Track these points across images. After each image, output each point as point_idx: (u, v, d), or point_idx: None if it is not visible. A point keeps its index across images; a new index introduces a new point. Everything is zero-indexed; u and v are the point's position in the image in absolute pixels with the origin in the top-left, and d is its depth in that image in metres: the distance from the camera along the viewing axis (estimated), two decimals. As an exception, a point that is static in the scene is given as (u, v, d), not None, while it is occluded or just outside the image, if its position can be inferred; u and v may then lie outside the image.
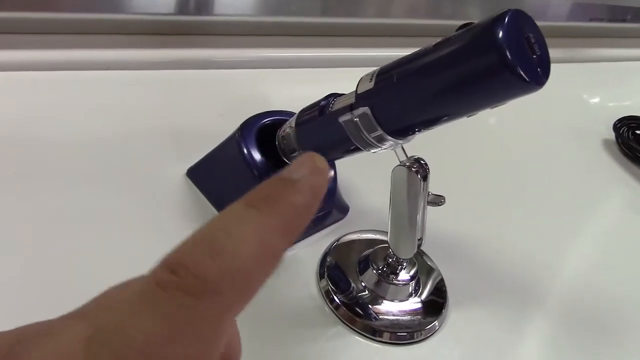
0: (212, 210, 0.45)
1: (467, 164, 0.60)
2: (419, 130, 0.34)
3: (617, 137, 0.67)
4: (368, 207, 0.49)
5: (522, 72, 0.27)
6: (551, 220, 0.55)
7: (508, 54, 0.27)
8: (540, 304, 0.46)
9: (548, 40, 0.78)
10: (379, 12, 0.73)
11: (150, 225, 0.43)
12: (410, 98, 0.32)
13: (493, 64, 0.28)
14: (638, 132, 0.67)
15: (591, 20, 0.86)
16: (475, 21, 0.29)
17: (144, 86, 0.57)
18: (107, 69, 0.56)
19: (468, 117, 0.32)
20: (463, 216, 0.52)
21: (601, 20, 0.87)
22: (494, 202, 0.56)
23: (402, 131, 0.34)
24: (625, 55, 0.90)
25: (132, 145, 0.49)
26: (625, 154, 0.66)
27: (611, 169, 0.65)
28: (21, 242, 0.39)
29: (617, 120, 0.69)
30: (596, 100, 0.79)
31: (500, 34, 0.27)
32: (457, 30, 0.30)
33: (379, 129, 0.33)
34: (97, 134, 0.49)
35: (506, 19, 0.28)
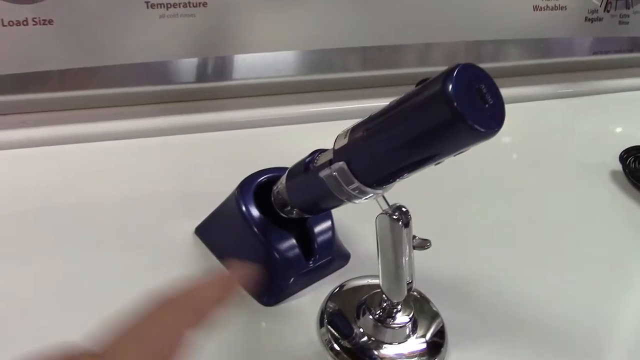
0: (219, 266, 0.48)
1: (468, 201, 0.61)
2: (394, 180, 0.36)
3: (624, 168, 0.68)
4: (370, 253, 0.50)
5: (473, 123, 0.29)
6: (556, 256, 0.56)
7: (458, 106, 0.29)
8: (541, 342, 0.47)
9: (548, 77, 0.80)
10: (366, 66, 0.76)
11: (160, 282, 0.46)
12: (378, 151, 0.34)
13: (446, 117, 0.30)
14: (645, 161, 0.68)
15: (595, 54, 0.87)
16: (432, 76, 0.32)
17: (155, 152, 0.60)
18: (115, 139, 0.60)
19: (435, 165, 0.34)
20: (462, 256, 0.53)
21: (606, 52, 0.88)
22: (496, 239, 0.57)
23: (378, 182, 0.36)
24: (628, 85, 0.91)
25: (145, 208, 0.53)
26: (634, 184, 0.66)
27: (619, 200, 0.65)
28: (39, 304, 0.42)
29: (623, 151, 0.69)
30: (601, 132, 0.80)
31: (450, 88, 0.30)
32: (416, 85, 0.33)
33: (356, 181, 0.36)
34: (112, 200, 0.53)
35: (455, 73, 0.30)
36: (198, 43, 0.64)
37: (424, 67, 0.77)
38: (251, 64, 0.68)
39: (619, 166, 0.69)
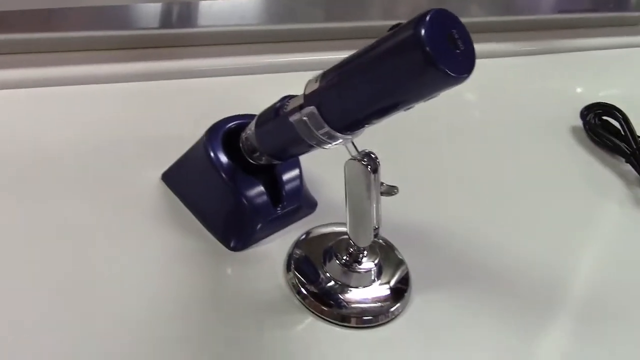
0: (186, 213, 0.48)
1: (435, 153, 0.63)
2: (364, 125, 0.36)
3: (584, 124, 0.70)
4: (336, 201, 0.51)
5: (444, 67, 0.30)
6: (517, 207, 0.57)
7: (430, 50, 0.30)
8: (503, 288, 0.48)
9: (517, 35, 0.81)
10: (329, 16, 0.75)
11: (126, 229, 0.46)
12: (350, 95, 0.34)
13: (417, 61, 0.30)
14: (604, 118, 0.69)
15: (559, 12, 0.88)
16: (405, 21, 0.32)
17: (122, 99, 0.59)
18: (82, 84, 0.59)
19: (405, 110, 0.34)
20: (429, 205, 0.54)
21: (571, 12, 0.89)
22: (461, 191, 0.58)
23: (348, 127, 0.36)
24: (591, 44, 0.92)
25: (110, 155, 0.52)
26: (593, 140, 0.68)
27: (579, 154, 0.67)
28: None
29: (584, 108, 0.71)
30: (564, 89, 0.81)
31: (423, 32, 0.30)
32: (388, 30, 0.33)
33: (326, 125, 0.36)
34: (75, 147, 0.52)
35: (427, 18, 0.30)
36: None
37: (389, 20, 0.76)
38: (217, 10, 0.67)
39: (579, 122, 0.70)
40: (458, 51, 0.31)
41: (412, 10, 0.77)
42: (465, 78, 0.31)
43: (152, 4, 0.62)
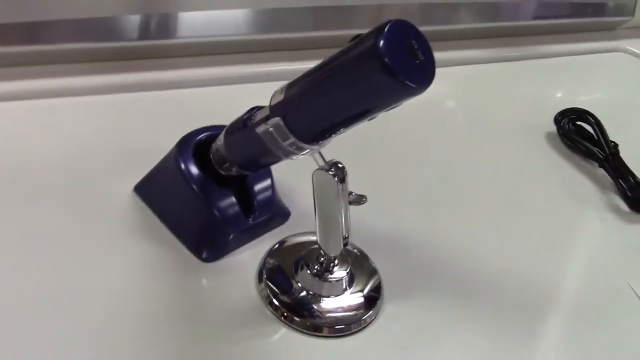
0: (159, 224, 0.48)
1: (408, 159, 0.63)
2: (330, 135, 0.37)
3: (558, 130, 0.70)
4: (310, 210, 0.51)
5: (404, 78, 0.30)
6: (492, 213, 0.58)
7: (388, 61, 0.30)
8: (476, 296, 0.49)
9: (493, 41, 0.81)
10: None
11: (98, 240, 0.46)
12: (313, 106, 0.35)
13: (377, 71, 0.30)
14: (578, 123, 0.70)
15: (536, 18, 0.89)
16: (364, 32, 0.32)
17: (97, 111, 0.59)
18: (53, 97, 0.59)
19: (369, 120, 0.35)
20: (401, 213, 0.54)
21: (547, 18, 0.90)
22: (434, 197, 0.58)
23: (314, 137, 0.36)
24: (567, 50, 0.93)
25: (83, 167, 0.52)
26: (567, 145, 0.69)
27: (553, 159, 0.67)
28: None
29: (557, 113, 0.71)
30: (540, 95, 0.82)
31: (381, 43, 0.30)
32: (349, 41, 0.33)
33: (292, 136, 0.36)
34: (47, 158, 0.52)
35: (386, 29, 0.30)
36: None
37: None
38: (196, 22, 0.67)
39: (554, 127, 0.71)
40: (418, 62, 0.31)
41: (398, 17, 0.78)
42: (425, 88, 0.31)
43: (130, 16, 0.62)
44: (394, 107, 0.33)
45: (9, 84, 0.59)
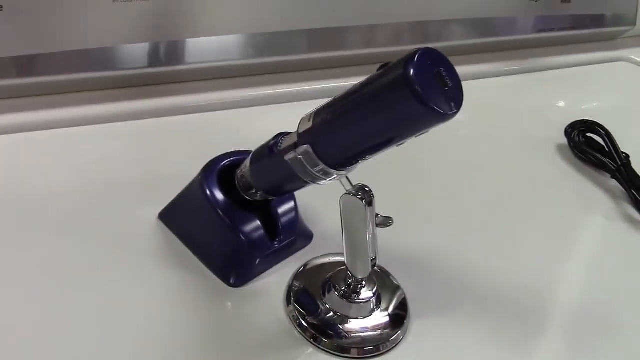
0: (185, 251, 0.48)
1: (425, 178, 0.64)
2: (358, 161, 0.37)
3: (569, 142, 0.71)
4: (332, 232, 0.52)
5: (434, 105, 0.31)
6: (508, 227, 0.59)
7: (419, 89, 0.31)
8: (500, 309, 0.49)
9: (497, 55, 0.82)
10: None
11: (126, 269, 0.46)
12: (342, 134, 0.35)
13: (407, 99, 0.31)
14: (588, 134, 0.71)
15: (539, 31, 0.90)
16: (393, 61, 0.33)
17: (114, 139, 0.60)
18: (71, 126, 0.60)
19: (398, 146, 0.35)
20: (420, 231, 0.55)
21: (550, 30, 0.91)
22: (451, 213, 0.59)
23: (343, 163, 0.37)
24: (571, 61, 0.95)
25: (106, 196, 0.52)
26: (578, 157, 0.70)
27: (566, 172, 0.68)
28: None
29: (568, 126, 0.72)
30: (547, 107, 0.83)
31: (412, 71, 0.31)
32: (378, 69, 0.34)
33: (321, 163, 0.37)
34: (72, 188, 0.52)
35: (416, 58, 0.31)
36: (151, 27, 0.63)
37: (370, 49, 0.78)
38: (205, 47, 0.68)
39: (564, 140, 0.72)
40: (446, 88, 0.32)
41: (392, 38, 0.79)
42: (455, 114, 0.32)
43: (140, 44, 0.63)
44: (424, 133, 0.34)
45: (23, 115, 0.59)
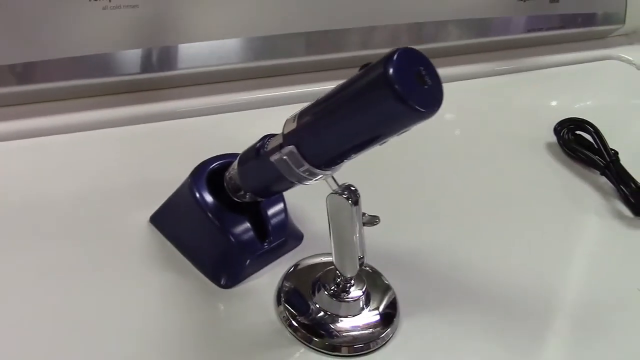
0: (176, 253, 0.49)
1: (413, 177, 0.64)
2: (342, 161, 0.38)
3: (558, 140, 0.72)
4: (322, 232, 0.52)
5: (413, 103, 0.31)
6: (499, 225, 0.59)
7: (399, 88, 0.31)
8: (490, 308, 0.50)
9: (488, 55, 0.83)
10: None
11: (118, 272, 0.47)
12: (326, 134, 0.36)
13: (387, 98, 0.32)
14: (578, 132, 0.71)
15: (528, 31, 0.91)
16: (374, 61, 0.34)
17: (106, 144, 0.60)
18: (61, 133, 0.60)
19: (380, 145, 0.36)
20: (410, 230, 0.56)
21: (539, 30, 0.92)
22: (441, 212, 0.60)
23: (327, 163, 0.38)
24: (560, 60, 0.95)
25: (97, 200, 0.53)
26: (568, 154, 0.70)
27: (555, 169, 0.69)
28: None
29: (556, 124, 0.73)
30: (537, 106, 0.83)
31: (391, 71, 0.31)
32: (359, 70, 0.34)
33: (306, 163, 0.37)
34: (62, 194, 0.53)
35: (394, 57, 0.32)
36: (142, 33, 0.64)
37: (367, 50, 0.79)
38: (196, 52, 0.68)
39: (554, 138, 0.72)
40: (426, 87, 0.33)
41: (390, 39, 0.80)
42: (434, 112, 0.33)
43: (132, 50, 0.64)
44: (405, 131, 0.34)
45: (16, 122, 0.60)
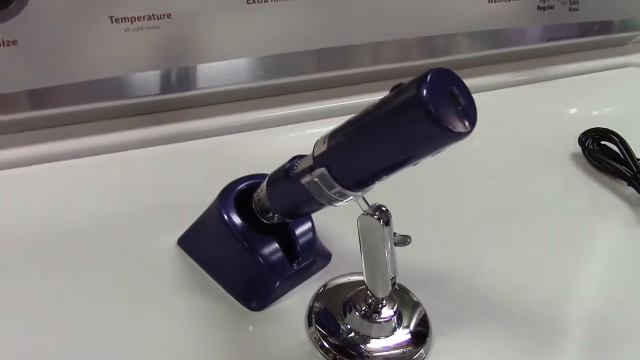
0: (204, 276, 0.48)
1: (439, 194, 0.64)
2: (374, 182, 0.37)
3: (583, 150, 0.71)
4: (350, 251, 0.52)
5: (448, 124, 0.31)
6: (526, 239, 0.58)
7: (433, 109, 0.31)
8: (521, 322, 0.49)
9: (504, 66, 0.83)
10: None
11: (147, 296, 0.46)
12: (358, 156, 0.36)
13: (421, 119, 0.31)
14: (602, 142, 0.70)
15: (548, 40, 0.90)
16: (406, 81, 0.33)
17: (129, 166, 0.60)
18: (87, 156, 0.60)
19: (413, 165, 0.36)
20: (437, 246, 0.55)
21: (559, 39, 0.91)
22: (467, 227, 0.59)
23: (359, 184, 0.37)
24: (580, 69, 0.94)
25: (124, 223, 0.53)
26: (593, 165, 0.69)
27: (581, 180, 0.68)
28: (22, 324, 0.43)
29: (581, 134, 0.72)
30: (559, 116, 0.83)
31: (425, 92, 0.31)
32: (390, 90, 0.34)
33: (337, 185, 0.37)
34: (88, 217, 0.53)
35: (428, 78, 0.31)
36: (163, 54, 0.64)
37: (378, 65, 0.78)
38: (217, 71, 0.68)
39: (578, 148, 0.72)
40: (460, 107, 0.32)
41: (400, 54, 0.79)
42: (469, 132, 0.32)
43: (152, 72, 0.64)
44: (439, 151, 0.34)
45: (38, 146, 0.60)
